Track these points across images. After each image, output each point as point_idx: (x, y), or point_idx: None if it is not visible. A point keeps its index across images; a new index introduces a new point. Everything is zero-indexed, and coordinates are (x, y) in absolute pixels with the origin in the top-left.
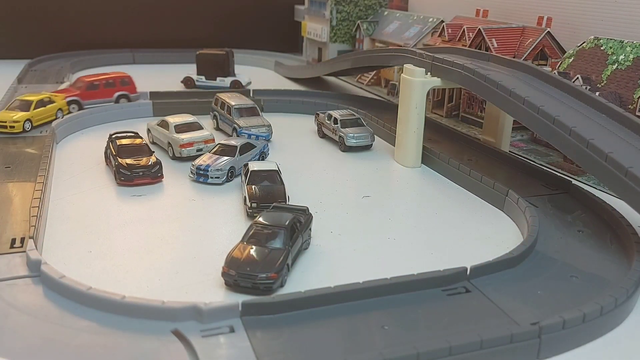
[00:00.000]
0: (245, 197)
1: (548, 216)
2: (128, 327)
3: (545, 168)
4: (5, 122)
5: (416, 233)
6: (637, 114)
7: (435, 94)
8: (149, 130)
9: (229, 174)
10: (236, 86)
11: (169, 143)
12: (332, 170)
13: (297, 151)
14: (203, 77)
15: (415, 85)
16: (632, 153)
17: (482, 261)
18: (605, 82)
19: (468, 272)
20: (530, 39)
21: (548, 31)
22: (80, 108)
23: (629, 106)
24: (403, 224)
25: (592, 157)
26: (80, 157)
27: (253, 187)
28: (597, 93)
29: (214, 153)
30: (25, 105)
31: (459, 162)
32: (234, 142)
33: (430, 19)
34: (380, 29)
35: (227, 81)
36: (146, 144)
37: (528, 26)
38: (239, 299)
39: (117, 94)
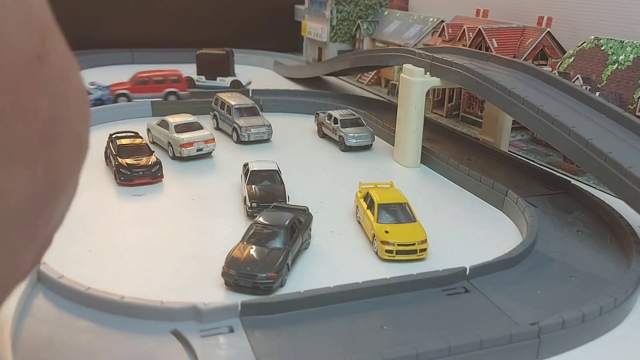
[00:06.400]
0: (245, 196)
1: (547, 216)
2: (127, 328)
3: (544, 168)
4: None
5: None
6: (637, 114)
7: (435, 94)
8: (149, 130)
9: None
10: (236, 86)
11: (169, 143)
12: (332, 170)
13: (297, 151)
14: (203, 77)
15: (415, 85)
16: (631, 153)
17: (482, 261)
18: (605, 82)
19: (467, 272)
20: (531, 39)
21: (548, 31)
22: (129, 100)
23: (629, 106)
24: None
25: (592, 157)
26: None
27: (253, 186)
28: (597, 93)
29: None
30: None
31: (458, 162)
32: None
33: (431, 19)
34: (380, 29)
35: (227, 81)
36: (146, 144)
37: (528, 26)
38: (238, 299)
39: (166, 90)
